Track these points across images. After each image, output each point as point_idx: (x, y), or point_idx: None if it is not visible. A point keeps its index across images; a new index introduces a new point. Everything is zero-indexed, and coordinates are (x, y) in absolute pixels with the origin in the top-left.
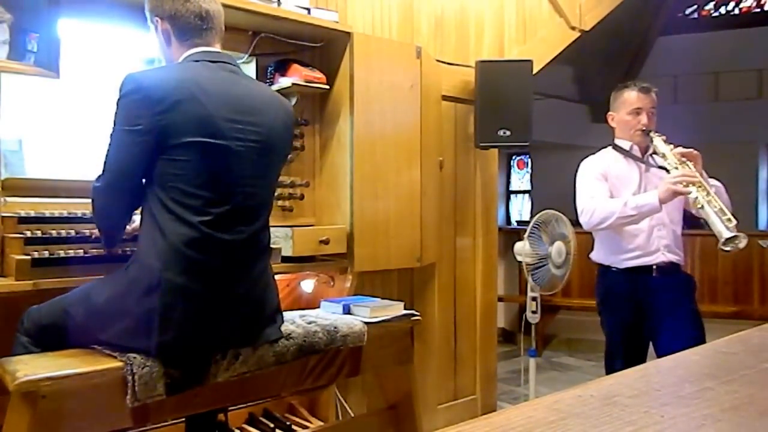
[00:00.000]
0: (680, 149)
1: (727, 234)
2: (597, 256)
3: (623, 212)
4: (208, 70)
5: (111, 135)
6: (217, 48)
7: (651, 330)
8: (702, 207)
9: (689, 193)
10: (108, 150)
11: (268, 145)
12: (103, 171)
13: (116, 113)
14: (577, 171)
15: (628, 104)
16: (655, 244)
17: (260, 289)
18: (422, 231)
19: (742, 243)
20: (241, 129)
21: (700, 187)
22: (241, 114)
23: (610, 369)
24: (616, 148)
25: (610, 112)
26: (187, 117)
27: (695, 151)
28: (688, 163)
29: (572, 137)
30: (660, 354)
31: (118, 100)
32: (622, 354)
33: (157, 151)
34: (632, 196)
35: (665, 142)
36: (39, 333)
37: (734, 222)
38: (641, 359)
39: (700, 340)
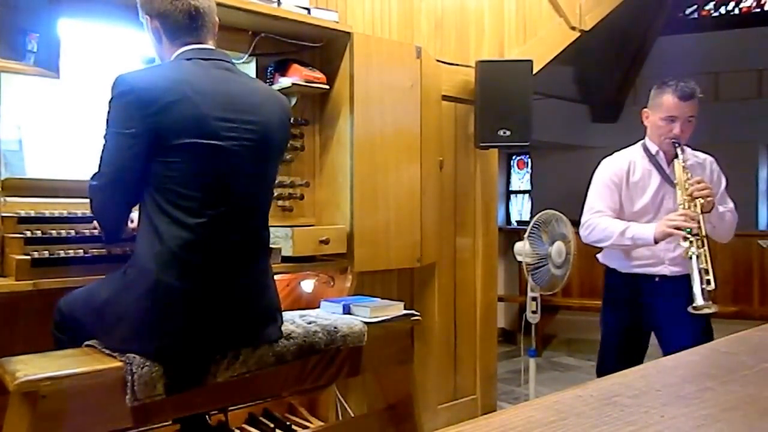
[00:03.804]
0: (694, 180)
1: (699, 302)
2: (603, 258)
3: (619, 240)
4: (200, 69)
5: (105, 136)
6: (210, 45)
7: (653, 333)
8: (690, 258)
9: (684, 240)
10: (102, 151)
11: (263, 143)
12: (99, 171)
13: (109, 115)
14: (594, 169)
15: (664, 109)
16: (659, 256)
17: (260, 289)
18: (422, 231)
19: (708, 311)
20: (235, 128)
21: (696, 235)
22: (235, 113)
23: (601, 368)
24: (645, 148)
25: (645, 109)
26: (181, 118)
27: (706, 190)
28: (698, 201)
29: (572, 137)
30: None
31: (110, 101)
32: (615, 355)
33: (151, 152)
34: (633, 224)
35: (684, 169)
36: (60, 323)
37: (712, 286)
38: (637, 362)
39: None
